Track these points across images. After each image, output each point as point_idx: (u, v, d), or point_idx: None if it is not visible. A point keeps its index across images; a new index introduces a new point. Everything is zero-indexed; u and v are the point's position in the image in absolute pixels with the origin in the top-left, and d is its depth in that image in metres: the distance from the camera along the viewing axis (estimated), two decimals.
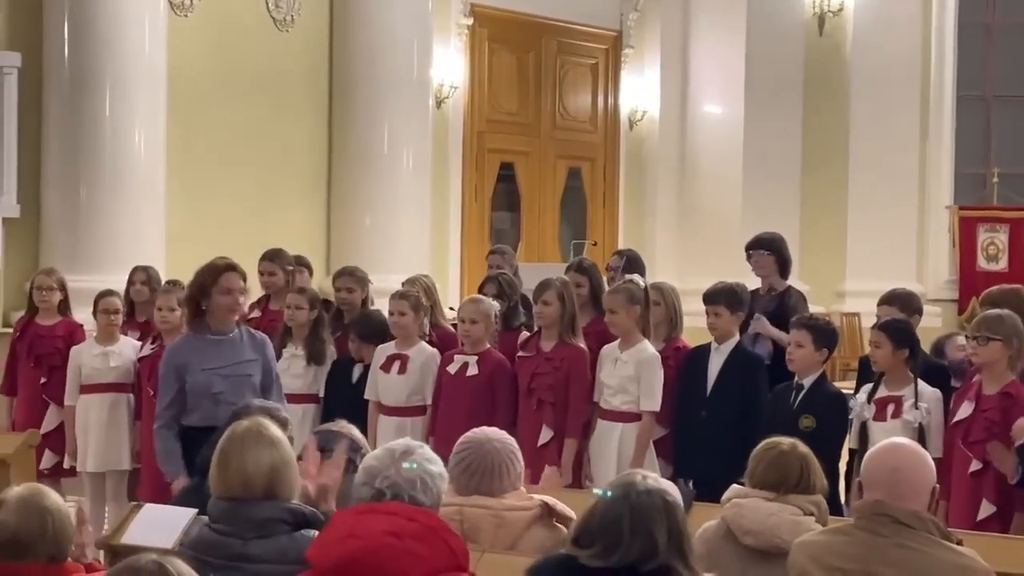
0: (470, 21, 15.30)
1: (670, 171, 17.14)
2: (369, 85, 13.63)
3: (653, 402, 7.22)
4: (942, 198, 18.11)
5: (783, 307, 8.16)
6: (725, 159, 16.86)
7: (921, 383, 6.62)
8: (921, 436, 6.28)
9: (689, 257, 16.63)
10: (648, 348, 7.32)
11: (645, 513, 3.39)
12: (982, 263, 17.58)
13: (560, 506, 4.56)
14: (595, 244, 15.58)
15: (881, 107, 17.44)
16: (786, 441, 4.60)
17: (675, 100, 17.11)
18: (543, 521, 4.51)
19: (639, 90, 17.03)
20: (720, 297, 7.50)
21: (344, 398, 7.87)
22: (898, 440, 4.24)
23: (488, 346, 7.65)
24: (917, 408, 6.49)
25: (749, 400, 7.24)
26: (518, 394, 7.45)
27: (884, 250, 16.84)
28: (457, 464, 4.58)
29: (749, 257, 8.32)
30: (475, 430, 4.75)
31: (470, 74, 15.42)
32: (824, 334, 6.87)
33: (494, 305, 7.73)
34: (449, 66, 14.95)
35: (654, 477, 3.53)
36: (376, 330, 8.14)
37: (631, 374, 7.25)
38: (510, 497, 4.56)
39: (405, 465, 3.58)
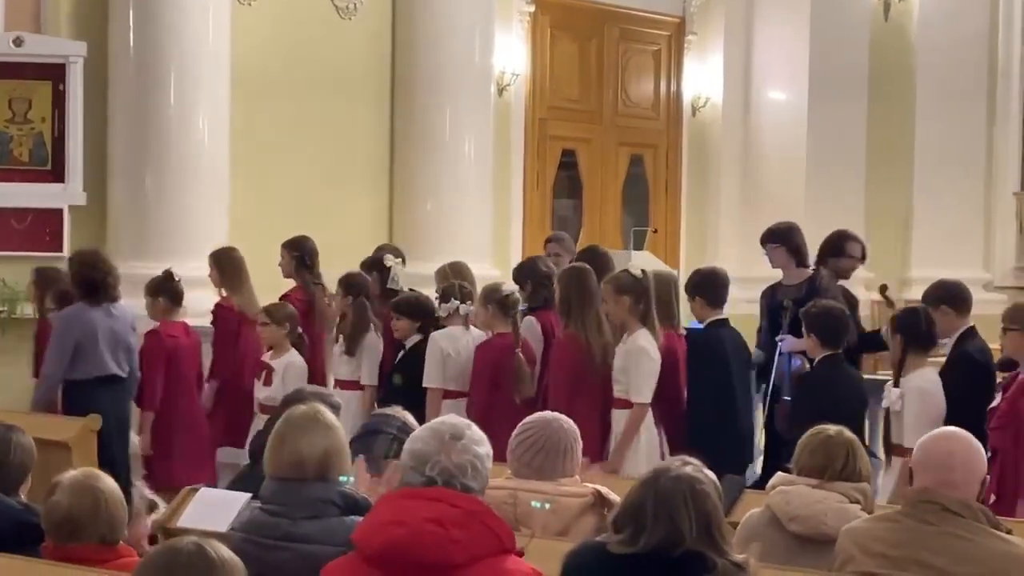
0: (532, 8, 15.30)
1: (733, 158, 17.06)
2: (431, 72, 13.67)
3: (638, 394, 7.18)
4: (1009, 184, 17.92)
5: (813, 292, 8.09)
6: (789, 146, 16.75)
7: (921, 372, 6.58)
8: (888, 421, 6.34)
9: (752, 245, 16.43)
10: (638, 339, 7.26)
11: (668, 499, 3.41)
12: None
13: (612, 495, 4.59)
14: (655, 231, 15.54)
15: (947, 92, 17.27)
16: (832, 427, 4.61)
17: (738, 87, 17.02)
18: (595, 509, 4.54)
19: (702, 77, 16.95)
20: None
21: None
22: (951, 429, 4.23)
23: None
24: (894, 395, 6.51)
25: None
26: None
27: (950, 237, 16.70)
28: (520, 443, 4.63)
29: (764, 249, 8.24)
30: (542, 413, 4.81)
31: (532, 61, 15.42)
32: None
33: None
34: (511, 53, 14.96)
35: (694, 465, 3.54)
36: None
37: (620, 365, 7.24)
38: (566, 483, 4.59)
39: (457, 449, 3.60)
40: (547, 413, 4.79)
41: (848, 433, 4.56)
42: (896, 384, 6.82)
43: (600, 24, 16.11)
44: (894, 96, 17.27)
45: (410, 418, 4.90)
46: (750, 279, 16.19)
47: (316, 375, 9.29)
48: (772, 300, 8.26)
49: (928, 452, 4.05)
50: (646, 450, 7.20)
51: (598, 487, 4.62)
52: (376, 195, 13.92)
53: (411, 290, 8.89)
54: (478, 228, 13.76)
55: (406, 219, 13.82)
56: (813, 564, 4.22)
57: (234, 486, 5.04)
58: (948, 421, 6.21)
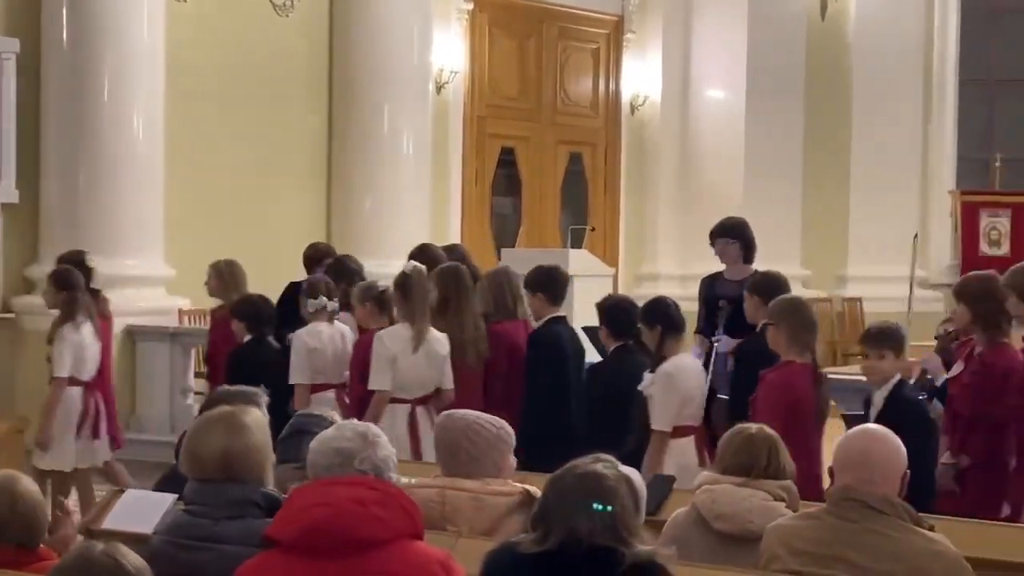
0: (470, 6, 15.29)
1: (671, 156, 17.14)
2: (369, 70, 13.64)
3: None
4: (944, 183, 18.10)
5: None
6: (727, 144, 16.85)
7: (675, 358, 6.91)
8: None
9: (690, 242, 16.60)
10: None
11: (570, 497, 3.43)
12: (984, 248, 17.54)
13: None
14: (593, 229, 15.58)
15: (883, 92, 17.42)
16: (753, 426, 4.64)
17: (677, 85, 17.09)
18: (523, 509, 4.53)
19: (641, 75, 17.01)
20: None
21: None
22: (869, 426, 4.27)
23: None
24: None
25: None
26: None
27: (886, 235, 16.83)
28: (439, 443, 4.66)
29: (713, 244, 8.24)
30: (464, 411, 4.81)
31: (470, 59, 15.41)
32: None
33: None
34: (449, 51, 14.95)
35: (605, 461, 3.54)
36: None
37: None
38: (494, 483, 4.59)
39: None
40: (469, 412, 4.79)
41: (768, 430, 4.58)
42: (653, 370, 6.98)
43: (539, 22, 16.13)
44: (831, 95, 17.41)
45: (338, 418, 4.91)
46: (689, 276, 16.27)
47: None
48: (710, 291, 8.26)
49: (846, 451, 4.07)
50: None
51: (527, 487, 4.61)
52: (314, 193, 13.88)
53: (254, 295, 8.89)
54: (417, 226, 13.71)
55: (344, 217, 13.79)
56: (739, 562, 4.23)
57: (160, 487, 5.01)
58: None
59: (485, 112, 15.64)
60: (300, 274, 9.53)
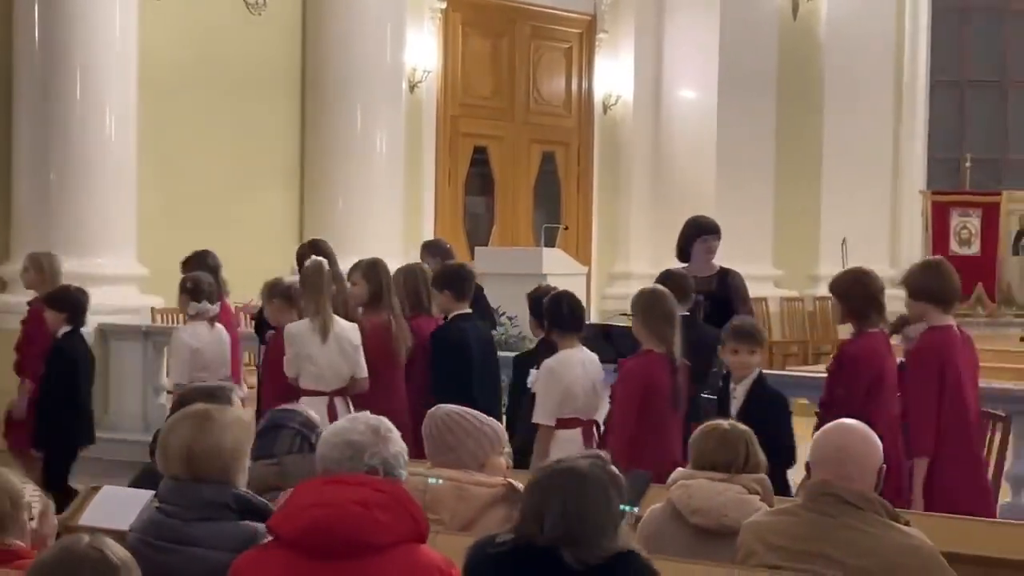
0: (443, 5, 15.30)
1: (644, 155, 17.18)
2: (342, 69, 13.63)
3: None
4: (915, 183, 18.20)
5: (725, 288, 8.18)
6: (699, 144, 16.90)
7: (561, 353, 7.04)
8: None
9: (663, 241, 16.61)
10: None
11: (547, 491, 3.45)
12: (955, 248, 17.62)
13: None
14: (567, 228, 15.61)
15: (855, 92, 17.52)
16: (726, 422, 4.67)
17: (649, 85, 17.14)
18: (507, 502, 4.54)
19: (613, 75, 17.04)
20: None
21: None
22: (845, 422, 4.28)
23: None
24: None
25: None
26: None
27: (857, 235, 16.89)
28: (424, 436, 4.68)
29: (703, 242, 8.29)
30: (440, 404, 4.83)
31: (443, 58, 15.42)
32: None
33: None
34: (422, 50, 14.95)
35: (592, 459, 3.56)
36: None
37: None
38: (477, 475, 4.61)
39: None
40: (444, 405, 4.82)
41: (741, 426, 4.62)
42: (537, 366, 7.16)
43: (511, 21, 16.15)
44: (802, 95, 17.48)
45: (312, 413, 4.92)
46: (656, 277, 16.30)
47: None
48: None
49: (822, 446, 4.10)
50: None
51: (511, 480, 4.63)
52: (287, 192, 13.86)
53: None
54: (390, 225, 13.73)
55: (317, 216, 13.76)
56: (715, 556, 4.25)
57: (137, 484, 4.99)
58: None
59: (458, 111, 15.65)
60: (276, 272, 9.50)
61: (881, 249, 17.38)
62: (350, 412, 6.78)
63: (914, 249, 18.09)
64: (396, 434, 3.74)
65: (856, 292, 6.60)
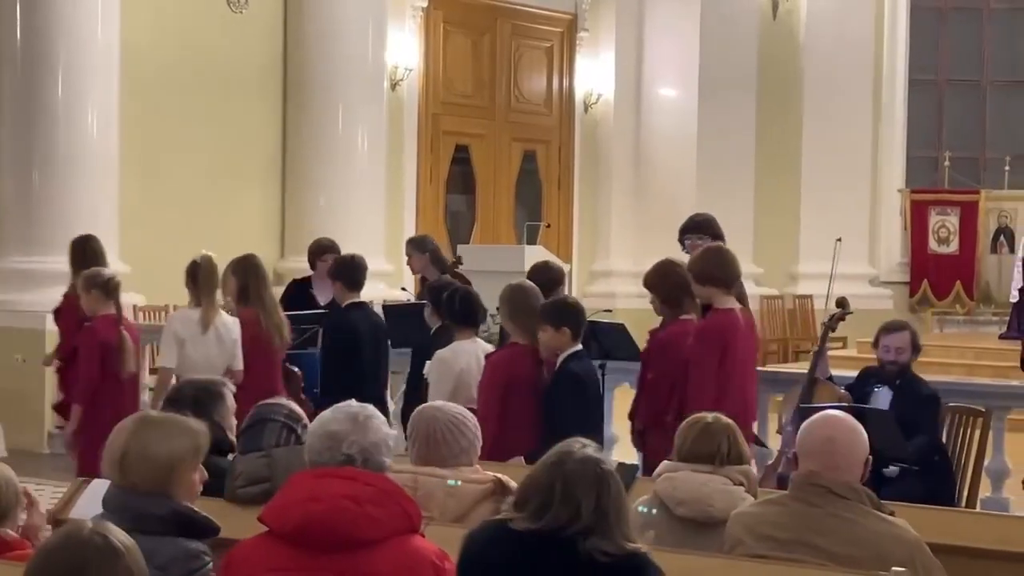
0: (425, 4, 15.32)
1: (625, 154, 17.23)
2: (323, 67, 13.65)
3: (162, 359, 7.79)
4: (894, 181, 18.28)
5: None
6: (679, 142, 16.96)
7: (454, 344, 7.28)
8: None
9: (644, 238, 16.70)
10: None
11: (576, 480, 3.47)
12: (933, 246, 17.75)
13: (513, 484, 4.63)
14: (548, 226, 15.64)
15: (834, 91, 17.59)
16: (710, 415, 4.70)
17: (630, 83, 17.19)
18: (495, 497, 4.57)
19: (594, 73, 17.09)
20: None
21: None
22: (832, 413, 4.31)
23: None
24: None
25: None
26: None
27: (837, 233, 16.92)
28: (409, 435, 4.68)
29: (684, 240, 8.35)
30: (432, 403, 4.85)
31: (425, 57, 15.44)
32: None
33: None
34: (404, 48, 14.97)
35: (594, 447, 3.60)
36: None
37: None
38: (466, 471, 4.64)
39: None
40: (431, 403, 4.84)
41: (724, 419, 4.65)
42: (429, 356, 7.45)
43: (493, 20, 16.18)
44: (782, 94, 17.55)
45: (295, 406, 4.95)
46: (643, 272, 16.29)
47: None
48: None
49: (811, 438, 4.13)
50: None
51: (499, 476, 4.66)
52: (268, 190, 13.87)
53: None
54: (371, 223, 13.75)
55: (299, 214, 13.78)
56: (702, 547, 4.28)
57: None
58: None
59: (439, 109, 15.67)
60: None
61: (860, 247, 17.46)
62: None
63: (893, 247, 18.19)
64: (378, 421, 3.70)
65: (666, 283, 6.96)
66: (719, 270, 6.80)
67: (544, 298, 7.08)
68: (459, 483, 4.55)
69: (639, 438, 7.13)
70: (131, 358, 7.85)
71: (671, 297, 6.90)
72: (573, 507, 3.44)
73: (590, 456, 3.54)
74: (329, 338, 8.36)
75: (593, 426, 6.63)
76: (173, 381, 7.49)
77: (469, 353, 7.23)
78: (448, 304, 7.48)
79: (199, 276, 7.79)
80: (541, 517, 3.47)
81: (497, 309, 7.52)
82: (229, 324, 7.84)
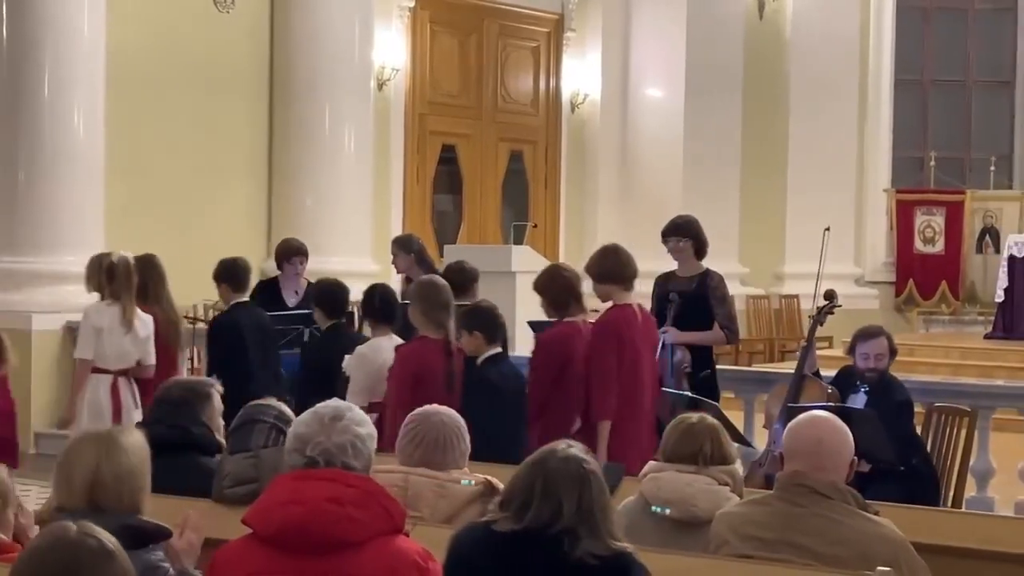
0: (412, 3, 15.32)
1: (611, 154, 17.24)
2: (310, 66, 13.64)
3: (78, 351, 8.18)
4: (880, 181, 18.33)
5: (704, 289, 8.23)
6: (666, 142, 16.97)
7: (373, 341, 7.49)
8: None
9: (630, 239, 16.51)
10: None
11: (557, 479, 3.48)
12: (919, 246, 17.80)
13: (503, 486, 4.64)
14: (535, 226, 15.65)
15: (820, 91, 17.63)
16: (695, 415, 4.72)
17: (616, 84, 17.20)
18: (485, 499, 4.58)
19: (580, 74, 17.11)
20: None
21: None
22: (819, 414, 4.33)
23: None
24: None
25: None
26: None
27: (822, 233, 17.02)
28: (404, 435, 4.68)
29: (666, 243, 8.38)
30: (425, 407, 4.85)
31: (412, 56, 15.44)
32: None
33: None
34: (391, 48, 14.97)
35: (578, 447, 3.61)
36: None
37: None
38: (456, 472, 4.65)
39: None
40: (430, 407, 4.84)
41: (710, 419, 4.67)
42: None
43: (479, 20, 16.18)
44: (768, 94, 17.59)
45: (285, 408, 4.95)
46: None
47: None
48: (663, 289, 8.37)
49: (798, 438, 4.14)
50: (93, 409, 8.04)
51: (489, 477, 4.67)
52: (255, 190, 13.85)
53: None
54: (358, 223, 13.76)
55: (285, 214, 13.77)
56: (688, 547, 4.29)
57: None
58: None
59: (426, 109, 15.67)
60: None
61: (846, 247, 17.50)
62: (133, 392, 8.10)
63: (879, 247, 18.24)
64: (348, 422, 3.65)
65: (554, 287, 7.19)
66: (616, 268, 7.18)
67: (458, 298, 7.40)
68: (472, 482, 4.58)
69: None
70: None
71: (558, 300, 7.15)
72: (554, 505, 3.45)
73: (573, 455, 3.55)
74: (213, 336, 8.80)
75: (510, 429, 6.78)
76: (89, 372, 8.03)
77: (387, 350, 7.37)
78: (368, 301, 7.68)
79: (117, 274, 8.09)
80: (523, 517, 3.49)
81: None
82: (145, 320, 8.17)
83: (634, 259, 7.32)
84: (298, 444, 3.62)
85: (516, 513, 3.51)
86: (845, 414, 6.61)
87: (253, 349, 8.59)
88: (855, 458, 4.18)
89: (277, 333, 8.95)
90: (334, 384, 7.29)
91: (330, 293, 8.22)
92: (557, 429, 6.48)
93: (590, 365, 6.99)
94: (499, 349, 7.00)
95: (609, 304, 7.27)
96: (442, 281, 7.28)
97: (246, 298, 8.84)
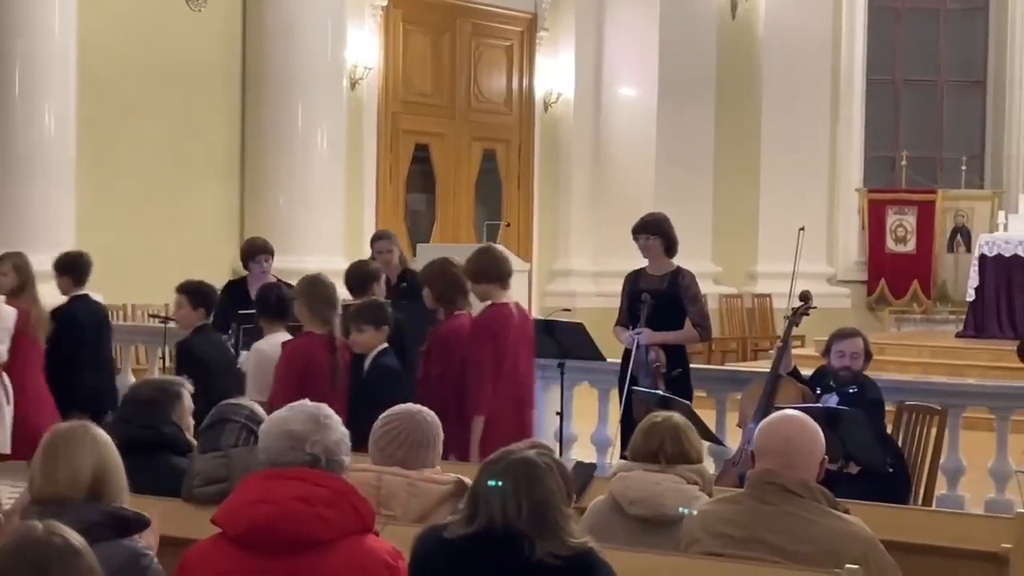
0: (384, 2, 15.31)
1: (584, 153, 17.26)
2: (282, 65, 13.62)
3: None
4: (852, 181, 18.39)
5: (675, 288, 8.24)
6: (638, 142, 17.01)
7: (270, 337, 7.46)
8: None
9: (603, 238, 16.77)
10: None
11: (506, 481, 3.48)
12: (891, 245, 17.87)
13: None
14: (508, 225, 15.66)
15: (792, 91, 17.68)
16: (661, 414, 4.73)
17: (589, 83, 17.23)
18: (455, 498, 4.58)
19: (553, 73, 17.12)
20: None
21: None
22: (790, 413, 4.34)
23: None
24: None
25: None
26: None
27: (795, 232, 17.01)
28: (385, 435, 4.67)
29: (636, 240, 8.40)
30: (406, 405, 4.84)
31: (384, 55, 15.43)
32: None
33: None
34: (363, 47, 14.96)
35: (539, 449, 3.60)
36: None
37: None
38: (428, 471, 4.64)
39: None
40: (411, 406, 4.82)
41: (677, 418, 4.67)
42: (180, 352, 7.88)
43: (452, 19, 16.18)
44: (741, 94, 17.63)
45: (257, 407, 4.94)
46: (602, 273, 16.43)
47: None
48: (633, 286, 8.37)
49: (768, 437, 4.16)
50: None
51: (460, 476, 4.67)
52: (227, 189, 13.82)
53: None
54: (331, 222, 13.74)
55: (258, 213, 13.74)
56: (657, 545, 4.29)
57: None
58: None
59: (399, 108, 15.66)
60: (216, 270, 9.51)
61: (818, 246, 17.54)
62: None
63: (851, 246, 18.30)
64: (335, 421, 3.73)
65: (443, 280, 7.36)
66: (492, 267, 7.33)
67: (356, 296, 7.58)
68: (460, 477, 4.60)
69: None
70: None
71: (446, 293, 7.32)
72: (502, 507, 3.44)
73: (526, 456, 3.53)
74: (55, 327, 8.80)
75: None
76: None
77: (277, 345, 7.42)
78: (264, 298, 7.73)
79: None
80: (473, 520, 3.48)
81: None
82: (5, 312, 8.25)
83: (508, 259, 7.52)
84: (293, 442, 3.63)
85: (466, 518, 3.50)
86: (834, 415, 6.66)
87: (90, 342, 8.88)
88: (826, 457, 4.19)
89: (110, 329, 9.30)
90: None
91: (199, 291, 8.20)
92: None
93: (466, 362, 7.15)
94: (386, 344, 7.09)
95: (488, 303, 7.34)
96: (323, 276, 7.33)
97: (85, 291, 8.98)
